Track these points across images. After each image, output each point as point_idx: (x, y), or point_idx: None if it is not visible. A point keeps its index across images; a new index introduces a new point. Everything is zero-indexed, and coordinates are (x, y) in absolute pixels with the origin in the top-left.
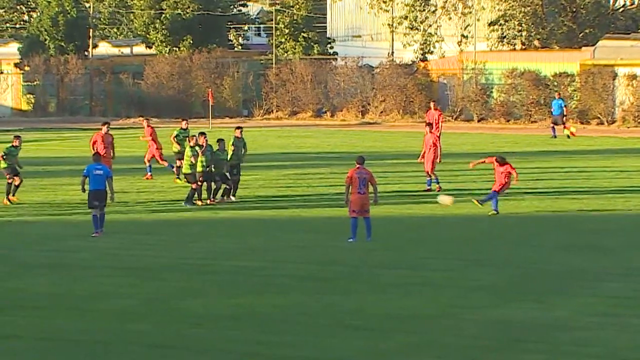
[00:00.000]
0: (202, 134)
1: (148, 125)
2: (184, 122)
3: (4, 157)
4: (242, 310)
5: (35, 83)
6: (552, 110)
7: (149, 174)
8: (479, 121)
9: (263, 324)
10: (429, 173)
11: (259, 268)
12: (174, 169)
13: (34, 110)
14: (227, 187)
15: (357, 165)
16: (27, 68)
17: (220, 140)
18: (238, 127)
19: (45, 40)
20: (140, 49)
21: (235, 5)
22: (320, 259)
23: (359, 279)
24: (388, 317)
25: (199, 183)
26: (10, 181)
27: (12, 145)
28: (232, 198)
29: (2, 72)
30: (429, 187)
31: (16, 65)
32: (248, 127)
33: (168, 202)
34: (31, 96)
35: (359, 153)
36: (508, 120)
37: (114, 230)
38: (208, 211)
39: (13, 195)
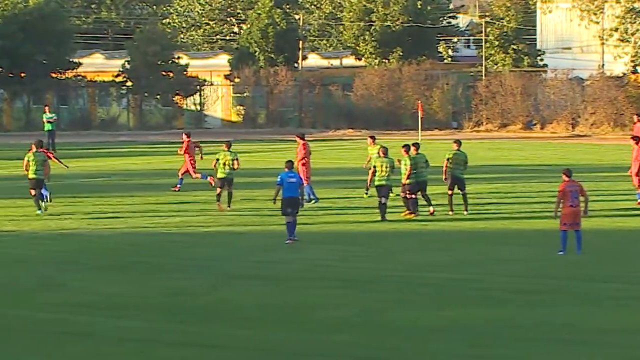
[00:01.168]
0: (405, 146)
1: (188, 139)
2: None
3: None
4: (452, 323)
5: (245, 94)
6: None
7: (178, 186)
8: None
9: (472, 337)
10: (638, 186)
11: (468, 280)
12: (209, 179)
13: (244, 122)
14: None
15: (567, 179)
16: (237, 80)
17: (415, 144)
18: (456, 141)
19: (255, 52)
20: (349, 60)
21: (445, 17)
22: (530, 272)
23: (569, 292)
24: (599, 331)
25: (408, 196)
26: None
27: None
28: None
29: (212, 84)
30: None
31: (226, 77)
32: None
33: (376, 213)
34: (241, 107)
35: (569, 166)
36: None
37: (323, 242)
38: (417, 223)
39: (228, 205)
